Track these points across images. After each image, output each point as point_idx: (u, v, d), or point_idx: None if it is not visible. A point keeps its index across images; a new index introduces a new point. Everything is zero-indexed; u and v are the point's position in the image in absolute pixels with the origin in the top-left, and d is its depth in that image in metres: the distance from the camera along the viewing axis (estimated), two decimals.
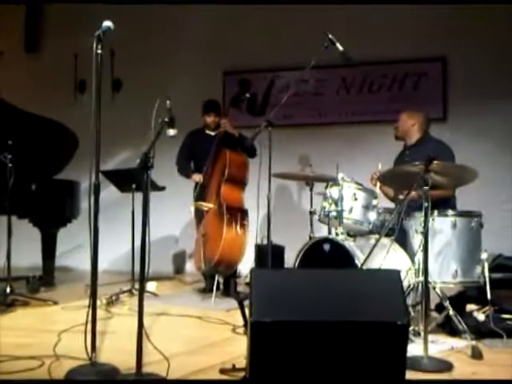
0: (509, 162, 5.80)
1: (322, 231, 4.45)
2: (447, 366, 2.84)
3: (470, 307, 3.60)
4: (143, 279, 2.65)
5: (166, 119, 2.69)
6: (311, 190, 4.80)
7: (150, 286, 5.12)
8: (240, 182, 4.84)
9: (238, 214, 4.70)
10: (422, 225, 3.07)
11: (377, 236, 3.67)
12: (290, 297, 2.17)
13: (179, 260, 6.79)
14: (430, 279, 3.20)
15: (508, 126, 5.86)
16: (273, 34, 6.41)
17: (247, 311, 2.25)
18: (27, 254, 5.36)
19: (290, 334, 2.13)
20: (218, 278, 4.75)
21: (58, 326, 3.55)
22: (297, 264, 3.90)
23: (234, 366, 2.69)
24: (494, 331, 3.29)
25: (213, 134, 5.11)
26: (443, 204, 3.78)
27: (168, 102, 2.76)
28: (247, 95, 5.45)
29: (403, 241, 3.73)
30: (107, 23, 2.71)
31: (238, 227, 4.66)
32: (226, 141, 4.97)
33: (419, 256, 3.37)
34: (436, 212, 3.54)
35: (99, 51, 2.69)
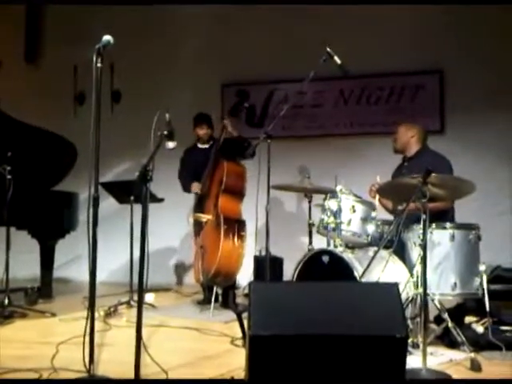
0: (506, 174, 5.83)
1: (320, 243, 4.46)
2: (446, 379, 2.84)
3: (468, 319, 3.60)
4: (141, 291, 2.65)
5: (166, 132, 2.71)
6: (310, 201, 4.82)
7: (149, 297, 5.11)
8: (238, 193, 4.83)
9: (236, 225, 4.69)
10: (421, 237, 3.08)
11: (375, 248, 3.67)
12: (289, 310, 2.17)
13: (178, 271, 6.78)
14: (428, 291, 3.20)
15: (505, 137, 5.88)
16: (271, 46, 6.45)
17: (246, 323, 2.25)
18: (25, 265, 5.35)
19: (288, 348, 2.13)
20: (217, 289, 4.74)
21: (56, 337, 3.54)
22: (295, 276, 3.90)
23: (232, 378, 2.69)
24: (492, 343, 3.28)
25: (207, 146, 5.13)
26: (442, 216, 3.79)
27: (167, 114, 2.77)
28: (246, 105, 5.47)
29: (402, 253, 3.73)
30: (107, 37, 2.73)
31: (236, 238, 4.65)
32: (225, 149, 4.95)
33: (418, 268, 3.38)
34: (434, 224, 3.54)
35: (99, 65, 2.71)
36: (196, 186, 5.04)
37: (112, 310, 4.49)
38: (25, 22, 7.31)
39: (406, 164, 4.26)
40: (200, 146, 5.19)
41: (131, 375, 2.54)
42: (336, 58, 3.78)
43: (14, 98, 6.30)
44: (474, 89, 5.95)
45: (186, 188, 5.21)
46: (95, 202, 2.71)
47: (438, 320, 3.58)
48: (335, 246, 3.86)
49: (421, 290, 3.14)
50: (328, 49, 3.77)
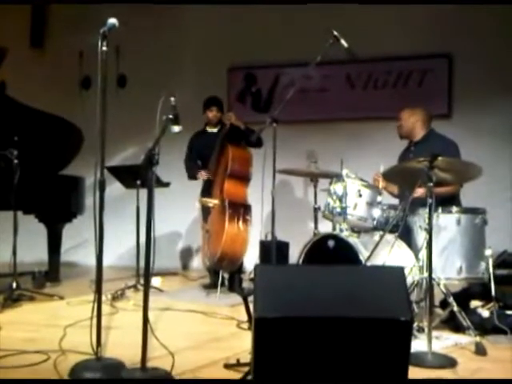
0: None
1: (326, 227, 4.46)
2: (451, 362, 2.85)
3: (474, 303, 3.60)
4: (148, 274, 2.66)
5: (171, 116, 2.70)
6: (315, 186, 4.80)
7: (155, 281, 5.14)
8: (243, 178, 4.83)
9: (241, 210, 4.70)
10: (427, 221, 3.07)
11: (381, 232, 3.68)
12: (294, 293, 2.18)
13: (184, 256, 6.81)
14: (434, 275, 3.20)
15: None
16: (277, 30, 6.40)
17: (251, 307, 2.26)
18: (33, 249, 5.38)
19: (293, 330, 2.14)
20: (223, 273, 4.77)
21: (64, 320, 3.58)
22: (301, 260, 3.91)
23: (238, 360, 2.71)
24: (498, 327, 3.29)
25: (215, 131, 5.11)
26: (449, 200, 3.78)
27: (173, 98, 2.76)
28: (253, 90, 5.43)
29: (407, 237, 3.73)
30: (112, 20, 2.71)
31: (241, 223, 4.66)
32: (231, 135, 4.95)
33: (423, 252, 3.38)
34: (440, 209, 3.54)
35: (104, 48, 2.70)
36: (204, 174, 5.04)
37: (119, 293, 4.52)
38: (30, 7, 7.28)
39: (413, 148, 4.21)
40: (209, 130, 5.17)
41: (138, 358, 2.56)
42: (343, 41, 3.74)
43: (19, 83, 6.31)
44: (483, 73, 5.89)
45: (191, 175, 5.19)
46: (101, 187, 2.72)
47: (444, 304, 3.59)
48: (341, 231, 3.86)
49: (426, 274, 3.15)
50: (335, 32, 3.73)
